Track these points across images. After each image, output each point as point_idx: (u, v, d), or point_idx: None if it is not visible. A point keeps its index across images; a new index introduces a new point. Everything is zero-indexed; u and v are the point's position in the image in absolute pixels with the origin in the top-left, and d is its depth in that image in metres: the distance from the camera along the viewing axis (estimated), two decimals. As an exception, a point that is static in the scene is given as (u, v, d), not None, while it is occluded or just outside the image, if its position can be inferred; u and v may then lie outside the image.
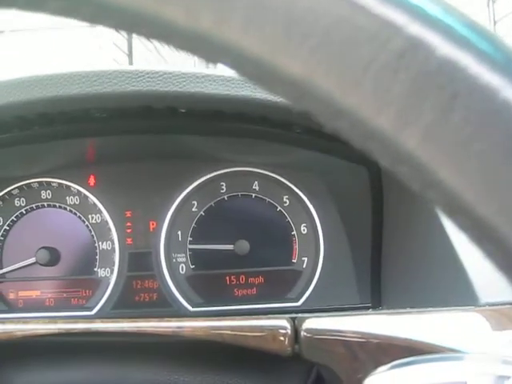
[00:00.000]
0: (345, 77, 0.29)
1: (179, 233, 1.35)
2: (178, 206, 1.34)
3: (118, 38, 9.27)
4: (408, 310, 0.82)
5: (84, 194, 1.34)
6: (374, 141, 0.30)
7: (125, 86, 0.92)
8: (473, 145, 0.28)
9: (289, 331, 0.80)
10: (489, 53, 0.28)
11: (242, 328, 0.82)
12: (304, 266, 1.34)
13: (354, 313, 0.87)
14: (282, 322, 0.81)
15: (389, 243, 1.19)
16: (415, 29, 0.28)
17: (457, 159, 0.28)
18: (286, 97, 0.32)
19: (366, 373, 0.64)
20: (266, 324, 0.82)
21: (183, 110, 1.01)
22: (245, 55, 0.30)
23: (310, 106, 0.31)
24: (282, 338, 0.80)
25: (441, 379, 0.56)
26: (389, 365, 0.61)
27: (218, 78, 0.93)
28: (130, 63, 9.42)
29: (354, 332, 0.77)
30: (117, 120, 1.06)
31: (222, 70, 0.96)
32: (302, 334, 0.79)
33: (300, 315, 0.83)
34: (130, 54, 9.39)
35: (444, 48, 0.28)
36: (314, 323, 0.80)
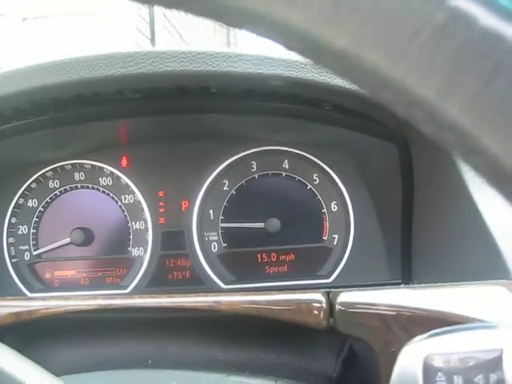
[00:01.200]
0: (391, 48, 0.30)
1: (211, 212, 1.37)
2: (209, 185, 1.35)
3: (141, 22, 9.27)
4: (439, 284, 0.83)
5: (117, 175, 1.37)
6: (419, 109, 0.31)
7: (159, 67, 0.93)
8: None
9: (324, 305, 0.81)
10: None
11: (278, 302, 0.83)
12: (334, 243, 1.35)
13: (386, 287, 0.88)
14: (317, 296, 0.82)
15: (419, 219, 1.19)
16: (458, 1, 0.29)
17: (500, 127, 0.29)
18: (334, 68, 0.33)
19: (400, 345, 0.65)
20: (302, 298, 0.83)
21: (215, 90, 1.02)
22: (294, 28, 0.31)
23: (357, 77, 0.32)
24: (317, 312, 0.81)
25: (477, 347, 0.57)
26: (425, 334, 0.62)
27: (250, 57, 0.94)
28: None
29: (387, 305, 0.78)
30: (150, 101, 1.07)
31: (252, 50, 0.97)
32: (337, 307, 0.80)
33: (334, 290, 0.84)
34: (152, 39, 9.38)
35: (486, 18, 0.29)
36: (348, 297, 0.81)
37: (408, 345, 0.62)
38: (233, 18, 0.33)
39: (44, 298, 0.97)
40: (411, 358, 0.60)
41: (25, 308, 0.90)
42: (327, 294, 0.83)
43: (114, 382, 0.86)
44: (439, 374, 0.57)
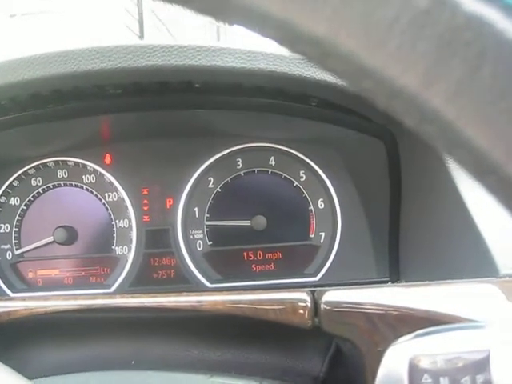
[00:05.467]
0: (369, 35, 0.28)
1: (196, 209, 1.35)
2: (194, 182, 1.34)
3: (130, 20, 9.26)
4: (427, 282, 0.82)
5: (100, 173, 1.35)
6: (401, 99, 0.30)
7: (140, 61, 0.91)
8: (502, 101, 0.27)
9: (308, 304, 0.80)
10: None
11: (261, 301, 0.82)
12: (321, 240, 1.34)
13: (373, 285, 0.86)
14: (302, 295, 0.81)
15: (407, 217, 1.18)
16: None
17: (485, 116, 0.28)
18: (311, 57, 0.31)
19: (387, 345, 0.63)
20: (286, 297, 0.82)
21: (199, 85, 1.00)
22: (270, 16, 0.29)
23: (334, 66, 0.30)
24: (301, 311, 0.80)
25: (464, 347, 0.56)
26: (411, 334, 0.61)
27: (233, 51, 0.93)
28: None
29: (373, 304, 0.77)
30: (132, 96, 1.05)
31: (236, 44, 0.96)
32: (322, 306, 0.79)
33: (319, 288, 0.83)
34: (141, 36, 9.38)
35: (471, 3, 0.27)
36: (333, 296, 0.79)
37: (393, 345, 0.60)
38: (210, 7, 0.31)
39: (24, 299, 0.95)
40: (397, 358, 0.59)
41: (4, 309, 0.88)
42: (312, 293, 0.81)
43: (95, 383, 0.85)
44: (425, 375, 0.56)
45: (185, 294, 0.87)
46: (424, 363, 0.56)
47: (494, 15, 0.27)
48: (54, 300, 0.91)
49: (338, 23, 0.28)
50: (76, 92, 0.99)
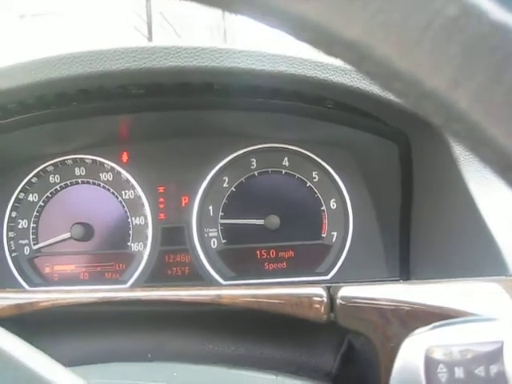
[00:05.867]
0: (403, 40, 0.30)
1: (211, 208, 1.38)
2: (209, 181, 1.37)
3: (138, 21, 9.27)
4: (438, 280, 0.84)
5: (117, 171, 1.38)
6: (429, 100, 0.32)
7: (163, 62, 0.94)
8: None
9: (325, 299, 0.81)
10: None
11: (279, 296, 0.84)
12: (333, 240, 1.36)
13: (386, 282, 0.88)
14: (318, 290, 0.83)
15: (417, 218, 1.20)
16: None
17: (508, 116, 0.30)
18: (346, 59, 0.33)
19: (400, 339, 0.65)
20: (303, 292, 0.84)
21: (218, 87, 1.02)
22: (306, 19, 0.32)
23: (368, 68, 0.33)
24: (318, 306, 0.82)
25: (478, 339, 0.58)
26: (427, 327, 0.63)
27: (254, 53, 0.95)
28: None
29: (387, 300, 0.79)
30: (153, 96, 1.07)
31: (255, 46, 0.98)
32: (338, 301, 0.81)
33: (335, 284, 0.85)
34: (149, 38, 9.38)
35: (496, 12, 0.30)
36: (348, 291, 0.81)
37: (409, 337, 0.63)
38: (245, 9, 0.33)
39: (46, 291, 0.98)
40: (413, 350, 0.61)
41: (27, 300, 0.90)
42: (328, 289, 0.83)
43: (115, 374, 0.86)
44: (440, 365, 0.58)
45: (204, 288, 0.89)
46: (439, 354, 0.58)
47: None
48: (76, 292, 0.93)
49: (375, 28, 0.31)
50: (100, 91, 1.02)
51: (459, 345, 0.58)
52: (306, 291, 0.84)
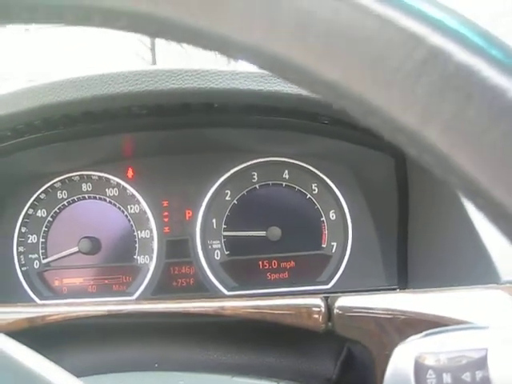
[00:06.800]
0: (377, 82, 0.34)
1: (214, 221, 1.41)
2: (212, 195, 1.40)
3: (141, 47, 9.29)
4: (433, 289, 0.87)
5: (123, 186, 1.41)
6: (402, 134, 0.35)
7: (165, 85, 0.97)
8: (486, 135, 0.33)
9: (322, 309, 0.84)
10: (499, 58, 0.33)
11: (279, 306, 0.87)
12: (333, 250, 1.40)
13: (382, 292, 0.91)
14: (316, 301, 0.85)
15: (414, 228, 1.23)
16: (436, 39, 0.33)
17: (472, 148, 0.33)
18: (326, 97, 0.37)
19: (395, 347, 0.68)
20: (302, 303, 0.86)
21: (218, 106, 1.06)
22: (290, 64, 0.35)
23: (347, 104, 0.36)
24: (316, 316, 0.84)
25: (465, 346, 0.61)
26: (417, 335, 0.66)
27: (251, 74, 0.99)
28: (153, 52, 9.40)
29: (383, 309, 0.81)
30: (156, 116, 1.11)
31: (251, 67, 1.01)
32: (335, 311, 0.83)
33: (332, 294, 0.87)
34: (152, 48, 9.39)
35: (460, 55, 0.33)
36: (345, 301, 0.84)
37: (400, 345, 0.66)
38: (224, 49, 0.37)
39: (56, 305, 1.01)
40: (403, 357, 0.64)
41: (38, 314, 0.92)
42: (326, 299, 0.86)
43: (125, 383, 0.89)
44: (429, 371, 0.61)
45: (207, 300, 0.92)
46: (428, 361, 0.62)
47: (477, 64, 0.33)
48: (85, 306, 0.96)
49: (352, 71, 0.34)
50: (105, 113, 1.06)
51: (448, 352, 0.61)
52: (304, 302, 0.86)
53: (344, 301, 0.84)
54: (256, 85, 0.98)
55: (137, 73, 0.98)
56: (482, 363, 0.59)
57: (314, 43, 0.34)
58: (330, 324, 0.84)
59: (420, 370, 0.61)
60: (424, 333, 0.66)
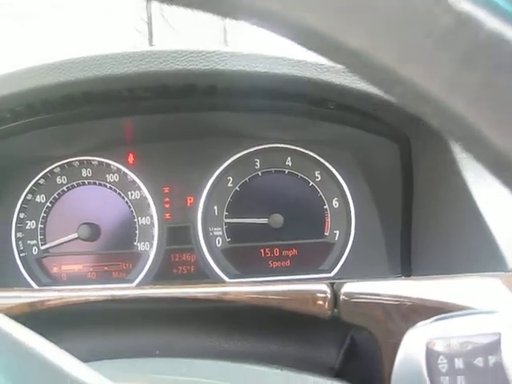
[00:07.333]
0: (405, 50, 0.33)
1: (215, 207, 1.40)
2: (214, 181, 1.39)
3: (137, 20, 9.23)
4: (439, 276, 0.86)
5: (123, 172, 1.40)
6: (428, 104, 0.34)
7: (170, 65, 0.96)
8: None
9: (328, 295, 0.83)
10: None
11: (284, 292, 0.86)
12: (336, 238, 1.39)
13: (388, 278, 0.90)
14: (322, 287, 0.84)
15: (418, 215, 1.22)
16: (466, 6, 0.32)
17: (501, 118, 0.32)
18: (351, 66, 0.36)
19: (402, 333, 0.67)
20: (307, 288, 0.85)
21: (222, 89, 1.05)
22: (312, 30, 0.34)
23: (372, 74, 0.35)
24: (321, 302, 0.83)
25: (477, 331, 0.60)
26: (428, 320, 0.65)
27: (257, 56, 0.97)
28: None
29: (389, 295, 0.80)
30: (159, 99, 1.10)
31: (259, 49, 1.00)
32: (341, 297, 0.82)
33: (338, 281, 0.86)
34: (150, 38, 9.35)
35: (491, 23, 0.32)
36: (351, 287, 0.83)
37: (411, 330, 0.65)
38: (250, 17, 0.35)
39: (56, 289, 0.99)
40: (414, 342, 0.63)
41: (38, 298, 0.91)
42: (331, 285, 0.85)
43: (124, 369, 0.88)
44: (441, 357, 0.60)
45: (210, 285, 0.91)
46: (439, 346, 0.61)
47: (509, 33, 0.32)
48: (86, 291, 0.94)
49: (378, 40, 0.33)
50: (106, 94, 1.04)
51: (459, 337, 0.61)
52: (310, 288, 0.85)
53: (350, 287, 0.83)
54: (262, 67, 0.97)
55: (141, 53, 0.97)
56: (494, 348, 0.58)
57: (341, 11, 0.33)
58: (335, 310, 0.83)
59: (431, 355, 0.60)
60: (433, 318, 0.66)
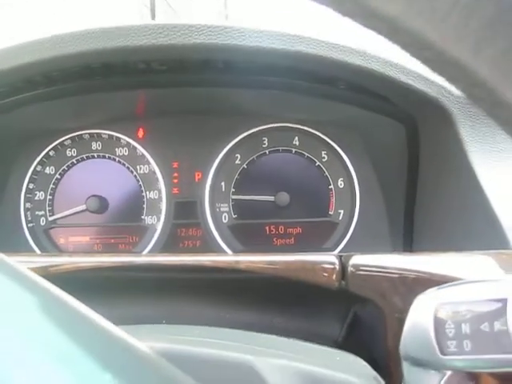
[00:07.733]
0: (434, 15, 0.35)
1: (223, 184, 1.42)
2: (222, 158, 1.41)
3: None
4: (447, 252, 0.88)
5: (133, 146, 1.42)
6: (453, 67, 0.36)
7: (188, 39, 0.98)
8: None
9: (337, 266, 0.85)
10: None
11: (294, 262, 0.88)
12: (340, 217, 1.41)
13: (395, 253, 0.92)
14: (331, 258, 0.86)
15: (422, 195, 1.24)
16: None
17: None
18: (382, 31, 0.38)
19: (407, 305, 0.69)
20: (317, 259, 0.87)
21: (237, 64, 1.06)
22: None
23: (402, 39, 0.37)
24: (330, 273, 0.85)
25: (483, 297, 0.63)
26: (435, 287, 0.67)
27: (274, 33, 0.99)
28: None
29: (397, 268, 0.82)
30: (173, 73, 1.11)
31: (274, 26, 1.01)
32: (349, 269, 0.84)
33: (346, 253, 0.88)
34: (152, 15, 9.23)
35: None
36: (359, 260, 0.85)
37: (420, 296, 0.67)
38: None
39: (70, 255, 1.01)
40: (423, 308, 0.66)
41: (51, 263, 0.92)
42: (340, 257, 0.87)
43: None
44: (448, 322, 0.63)
45: (222, 254, 0.93)
46: (447, 311, 0.63)
47: None
48: (100, 257, 0.96)
49: (409, 6, 0.35)
50: (123, 66, 1.06)
51: (466, 302, 0.63)
52: (319, 259, 0.87)
53: (358, 259, 0.85)
54: (280, 44, 0.98)
55: (160, 26, 0.98)
56: (500, 313, 0.60)
57: None
58: (343, 282, 0.85)
59: (439, 320, 0.63)
60: (440, 286, 0.68)
